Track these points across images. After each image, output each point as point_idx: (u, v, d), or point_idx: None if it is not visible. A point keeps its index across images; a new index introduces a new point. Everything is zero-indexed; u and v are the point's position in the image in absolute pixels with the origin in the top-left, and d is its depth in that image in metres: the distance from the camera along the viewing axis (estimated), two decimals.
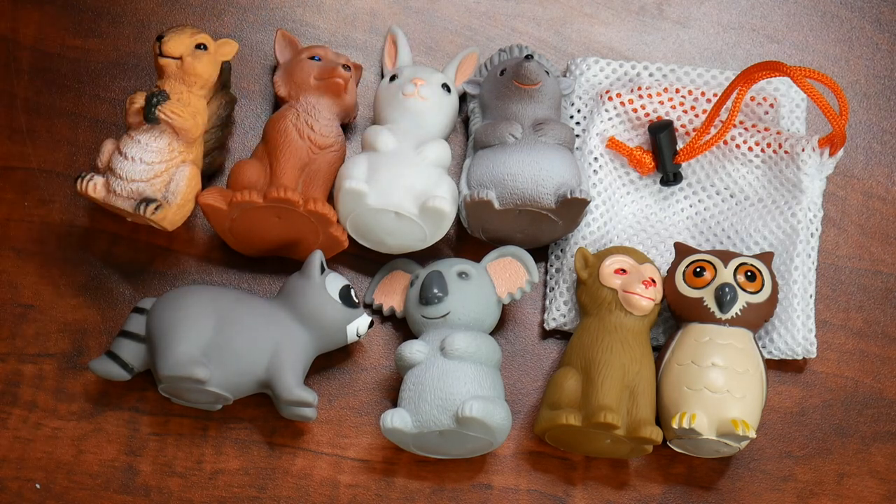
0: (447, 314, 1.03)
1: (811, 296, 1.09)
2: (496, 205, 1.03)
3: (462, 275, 1.04)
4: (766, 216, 1.09)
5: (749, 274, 1.04)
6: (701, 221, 1.11)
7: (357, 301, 1.04)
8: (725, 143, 1.09)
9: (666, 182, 1.10)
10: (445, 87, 1.08)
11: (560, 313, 1.08)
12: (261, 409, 1.06)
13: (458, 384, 1.00)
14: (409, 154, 1.04)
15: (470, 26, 1.15)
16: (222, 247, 1.09)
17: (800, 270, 1.07)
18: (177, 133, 1.04)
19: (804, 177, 1.08)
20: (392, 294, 1.08)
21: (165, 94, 1.03)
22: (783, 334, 1.07)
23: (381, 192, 1.03)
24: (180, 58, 1.04)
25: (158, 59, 1.04)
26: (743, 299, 1.03)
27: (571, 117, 1.11)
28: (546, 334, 1.09)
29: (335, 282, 1.04)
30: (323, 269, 1.04)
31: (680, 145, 1.09)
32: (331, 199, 1.06)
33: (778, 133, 1.09)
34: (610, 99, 1.10)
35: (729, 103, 1.07)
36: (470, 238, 1.10)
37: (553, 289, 1.09)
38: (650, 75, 1.12)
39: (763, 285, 1.04)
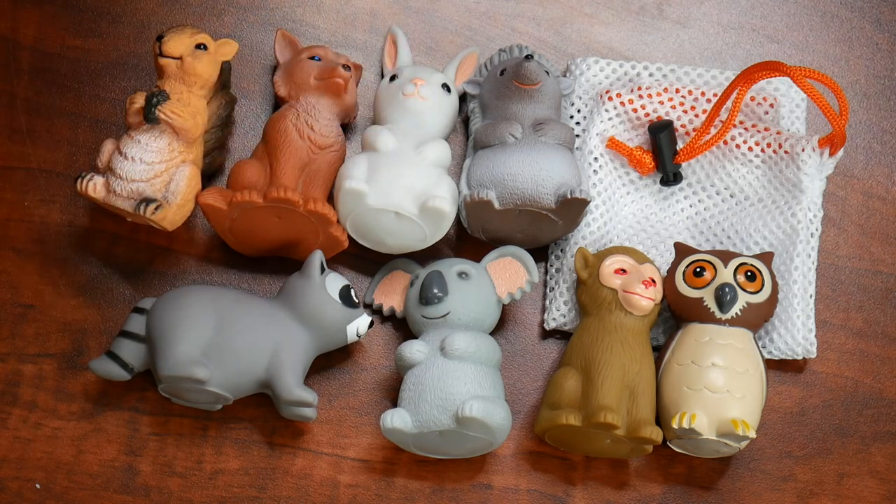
0: (447, 314, 1.03)
1: (811, 296, 1.09)
2: (496, 205, 1.03)
3: (462, 275, 1.04)
4: (766, 216, 1.09)
5: (749, 274, 1.04)
6: (701, 221, 1.11)
7: (357, 301, 1.04)
8: (725, 143, 1.09)
9: (666, 182, 1.10)
10: (445, 87, 1.08)
11: (560, 313, 1.08)
12: (261, 409, 1.06)
13: (458, 384, 1.00)
14: (409, 154, 1.04)
15: (470, 26, 1.15)
16: (222, 247, 1.09)
17: (800, 270, 1.07)
18: (177, 133, 1.04)
19: (804, 177, 1.08)
20: (392, 294, 1.08)
21: (165, 94, 1.03)
22: (783, 334, 1.07)
23: (381, 192, 1.03)
24: (180, 58, 1.04)
25: (158, 59, 1.04)
26: (743, 299, 1.03)
27: (571, 117, 1.11)
28: (546, 334, 1.09)
29: (335, 282, 1.04)
30: (323, 269, 1.04)
31: (680, 145, 1.09)
32: (331, 199, 1.06)
33: (778, 133, 1.09)
34: (610, 99, 1.10)
35: (729, 103, 1.07)
36: (470, 238, 1.10)
37: (553, 289, 1.09)
38: (650, 75, 1.12)
39: (763, 285, 1.04)
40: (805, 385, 1.09)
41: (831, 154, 1.07)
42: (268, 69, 1.13)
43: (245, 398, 1.05)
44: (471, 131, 1.09)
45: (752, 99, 1.10)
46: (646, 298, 1.03)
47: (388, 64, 1.12)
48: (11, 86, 1.12)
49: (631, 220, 1.10)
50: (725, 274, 1.04)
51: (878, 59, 1.16)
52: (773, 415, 1.08)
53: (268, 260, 1.09)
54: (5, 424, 1.06)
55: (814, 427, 1.09)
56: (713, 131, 1.08)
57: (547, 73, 1.07)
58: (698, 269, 1.04)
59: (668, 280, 1.05)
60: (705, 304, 1.03)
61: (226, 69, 1.07)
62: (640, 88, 1.10)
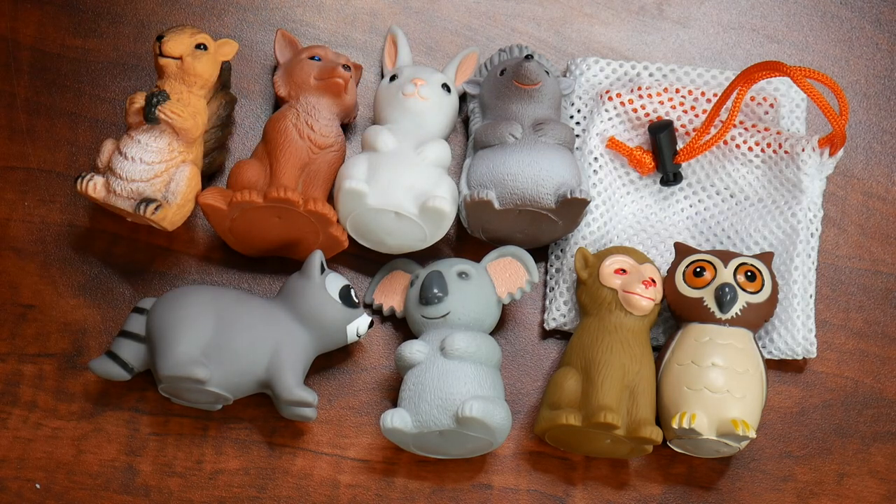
0: (447, 314, 1.03)
1: (811, 296, 1.08)
2: (496, 205, 1.03)
3: (462, 275, 1.04)
4: (766, 216, 1.09)
5: (749, 274, 1.04)
6: (701, 221, 1.11)
7: (357, 301, 1.04)
8: (725, 143, 1.09)
9: (666, 182, 1.10)
10: (445, 87, 1.08)
11: (560, 313, 1.08)
12: (261, 409, 1.06)
13: (458, 384, 1.00)
14: (409, 154, 1.04)
15: (470, 26, 1.15)
16: (222, 247, 1.09)
17: (800, 270, 1.07)
18: (177, 133, 1.04)
19: (804, 177, 1.08)
20: (392, 294, 1.08)
21: (165, 94, 1.03)
22: (783, 334, 1.07)
23: (381, 192, 1.03)
24: (180, 58, 1.04)
25: (158, 59, 1.04)
26: (743, 299, 1.03)
27: (571, 117, 1.11)
28: (546, 334, 1.09)
29: (335, 282, 1.04)
30: (323, 269, 1.04)
31: (680, 145, 1.09)
32: (331, 199, 1.06)
33: (778, 133, 1.09)
34: (610, 99, 1.10)
35: (729, 103, 1.07)
36: (470, 238, 1.10)
37: (553, 289, 1.09)
38: (650, 75, 1.12)
39: (763, 285, 1.04)
40: (805, 385, 1.09)
41: (831, 154, 1.07)
42: (268, 69, 1.13)
43: (245, 398, 1.05)
44: (471, 131, 1.09)
45: (752, 99, 1.10)
46: (646, 298, 1.03)
47: (388, 64, 1.12)
48: (11, 86, 1.12)
49: (631, 220, 1.10)
50: (725, 274, 1.04)
51: (878, 59, 1.16)
52: (773, 415, 1.08)
53: (268, 260, 1.09)
54: (5, 424, 1.06)
55: (814, 427, 1.09)
56: (713, 131, 1.08)
57: (547, 73, 1.07)
58: (698, 269, 1.04)
59: (668, 280, 1.05)
60: (705, 304, 1.03)
61: (226, 69, 1.07)
62: (640, 88, 1.10)
